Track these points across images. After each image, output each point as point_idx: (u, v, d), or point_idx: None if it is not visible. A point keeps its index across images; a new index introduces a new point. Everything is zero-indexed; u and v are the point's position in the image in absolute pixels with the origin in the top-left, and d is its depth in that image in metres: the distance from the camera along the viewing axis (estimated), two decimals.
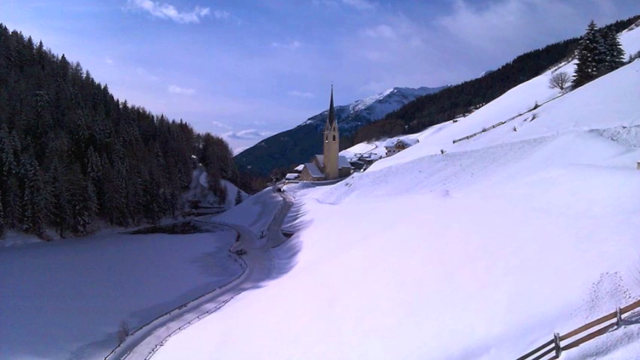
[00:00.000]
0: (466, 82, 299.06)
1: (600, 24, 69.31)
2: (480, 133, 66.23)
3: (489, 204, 26.13)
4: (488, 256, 18.88)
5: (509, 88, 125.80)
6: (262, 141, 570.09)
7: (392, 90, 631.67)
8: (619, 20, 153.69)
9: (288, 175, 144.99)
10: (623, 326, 10.37)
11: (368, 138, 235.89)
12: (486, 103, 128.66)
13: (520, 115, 61.56)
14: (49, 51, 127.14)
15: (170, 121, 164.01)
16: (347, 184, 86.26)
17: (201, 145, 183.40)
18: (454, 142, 70.29)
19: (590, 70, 60.97)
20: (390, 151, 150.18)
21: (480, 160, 51.15)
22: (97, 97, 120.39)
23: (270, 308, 31.96)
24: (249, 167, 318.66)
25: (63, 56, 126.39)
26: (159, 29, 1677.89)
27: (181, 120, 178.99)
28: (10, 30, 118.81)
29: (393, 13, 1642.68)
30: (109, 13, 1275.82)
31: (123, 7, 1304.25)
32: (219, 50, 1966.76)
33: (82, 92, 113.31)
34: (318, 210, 76.13)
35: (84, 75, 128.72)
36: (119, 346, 29.79)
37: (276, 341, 23.62)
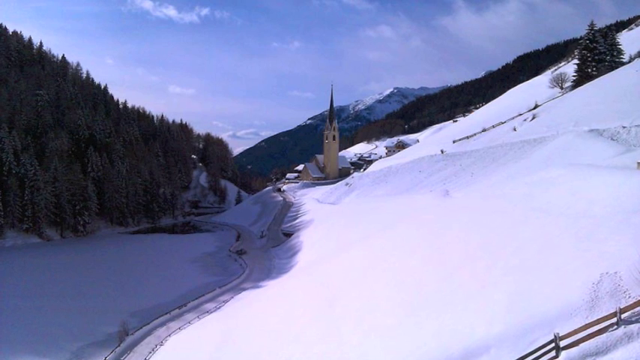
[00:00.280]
0: (466, 82, 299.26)
1: (600, 24, 69.43)
2: (480, 133, 66.24)
3: (489, 204, 26.14)
4: (488, 256, 18.89)
5: (509, 88, 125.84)
6: (262, 141, 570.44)
7: (392, 90, 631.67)
8: (619, 20, 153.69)
9: (288, 175, 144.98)
10: (623, 326, 10.38)
11: (368, 138, 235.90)
12: (486, 103, 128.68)
13: (520, 115, 61.57)
14: (49, 51, 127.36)
15: (170, 121, 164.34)
16: (347, 184, 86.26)
17: (201, 145, 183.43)
18: (454, 142, 70.30)
19: (590, 70, 60.99)
20: (390, 151, 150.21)
21: (479, 160, 51.16)
22: (97, 97, 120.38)
23: (270, 308, 31.97)
24: (249, 167, 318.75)
25: (63, 56, 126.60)
26: (159, 29, 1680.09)
27: (181, 120, 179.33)
28: (11, 30, 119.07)
29: (393, 13, 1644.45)
30: (109, 13, 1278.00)
31: (123, 7, 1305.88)
32: (219, 50, 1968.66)
33: (82, 92, 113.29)
34: (318, 210, 76.14)
35: (84, 75, 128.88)
36: (119, 345, 29.81)
37: (276, 341, 23.63)
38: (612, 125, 36.04)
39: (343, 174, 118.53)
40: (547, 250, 16.52)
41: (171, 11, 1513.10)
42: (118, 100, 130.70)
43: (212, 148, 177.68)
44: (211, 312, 36.74)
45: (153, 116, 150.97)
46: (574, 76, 64.84)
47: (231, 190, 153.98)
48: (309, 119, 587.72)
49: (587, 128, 38.32)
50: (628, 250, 13.23)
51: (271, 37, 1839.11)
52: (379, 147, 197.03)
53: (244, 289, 43.51)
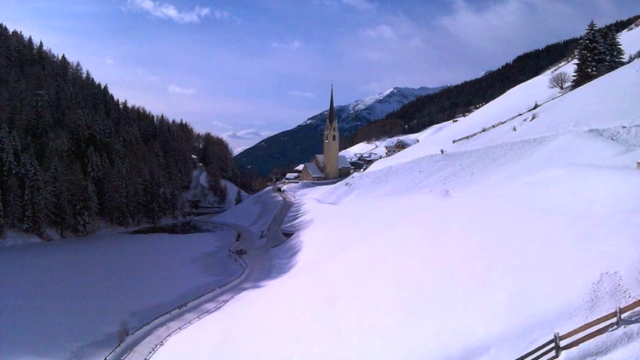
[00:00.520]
0: (466, 82, 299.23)
1: (600, 24, 69.43)
2: (480, 133, 66.23)
3: (489, 204, 26.14)
4: (488, 256, 18.89)
5: (509, 88, 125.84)
6: (262, 141, 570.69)
7: (392, 90, 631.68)
8: (619, 20, 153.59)
9: (288, 175, 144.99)
10: (622, 326, 10.38)
11: (368, 138, 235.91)
12: (486, 103, 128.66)
13: (520, 115, 61.56)
14: (49, 51, 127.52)
15: (170, 120, 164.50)
16: (347, 184, 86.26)
17: (201, 145, 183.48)
18: (454, 142, 70.30)
19: (590, 70, 60.98)
20: (390, 150, 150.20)
21: (479, 160, 51.15)
22: (97, 97, 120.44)
23: (270, 308, 31.97)
24: (249, 167, 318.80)
25: (63, 56, 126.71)
26: (159, 29, 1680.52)
27: (181, 120, 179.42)
28: (11, 30, 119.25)
29: (393, 13, 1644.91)
30: (109, 13, 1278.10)
31: (123, 7, 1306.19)
32: (219, 50, 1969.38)
33: (82, 92, 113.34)
34: (318, 210, 76.15)
35: (84, 75, 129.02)
36: (119, 345, 29.80)
37: (276, 341, 23.64)
38: (612, 125, 36.05)
39: (343, 174, 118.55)
40: (547, 250, 16.52)
41: (171, 11, 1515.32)
42: (118, 100, 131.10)
43: (212, 148, 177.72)
44: (211, 312, 36.74)
45: (153, 116, 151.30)
46: (574, 76, 64.83)
47: (231, 190, 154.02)
48: (309, 119, 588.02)
49: (587, 128, 38.32)
50: (628, 250, 13.23)
51: (271, 37, 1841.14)
52: (379, 147, 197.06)
53: (244, 289, 43.51)
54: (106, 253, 68.72)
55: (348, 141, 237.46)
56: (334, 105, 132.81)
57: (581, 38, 76.08)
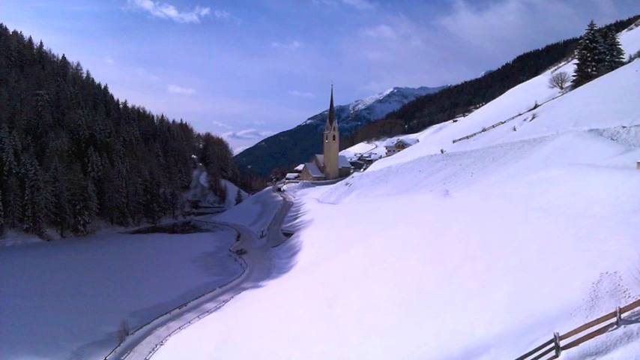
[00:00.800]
0: (466, 82, 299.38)
1: (600, 24, 69.44)
2: (480, 132, 66.24)
3: (489, 204, 26.15)
4: (488, 256, 18.90)
5: (509, 87, 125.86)
6: (262, 141, 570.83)
7: (392, 90, 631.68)
8: (619, 20, 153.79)
9: (288, 175, 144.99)
10: (622, 326, 10.39)
11: (368, 138, 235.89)
12: (486, 103, 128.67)
13: (520, 114, 61.57)
14: (50, 51, 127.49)
15: (170, 120, 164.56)
16: (347, 184, 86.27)
17: (201, 145, 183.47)
18: (454, 141, 70.30)
19: (589, 70, 61.00)
20: (390, 150, 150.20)
21: (479, 160, 51.15)
22: (97, 96, 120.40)
23: (270, 308, 31.97)
24: (249, 167, 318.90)
25: (63, 56, 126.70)
26: (159, 29, 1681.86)
27: (181, 120, 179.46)
28: (11, 30, 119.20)
29: (393, 13, 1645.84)
30: (109, 13, 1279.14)
31: (123, 7, 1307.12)
32: (219, 50, 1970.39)
33: (82, 92, 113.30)
34: (318, 210, 76.14)
35: (84, 75, 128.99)
36: (119, 345, 29.79)
37: (276, 341, 23.65)
38: (612, 125, 36.05)
39: (343, 174, 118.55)
40: (547, 249, 16.52)
41: (171, 11, 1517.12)
42: (118, 100, 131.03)
43: (212, 148, 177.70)
44: (211, 312, 36.73)
45: (153, 116, 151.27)
46: (574, 76, 64.84)
47: (231, 189, 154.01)
48: (309, 119, 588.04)
49: (587, 128, 38.33)
50: (628, 250, 13.24)
51: (271, 37, 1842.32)
52: (379, 147, 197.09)
53: (244, 289, 43.50)
54: (106, 253, 68.70)
55: (348, 141, 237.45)
56: (334, 105, 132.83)
57: (581, 38, 76.08)
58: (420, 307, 18.33)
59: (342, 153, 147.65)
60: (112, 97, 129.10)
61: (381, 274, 25.09)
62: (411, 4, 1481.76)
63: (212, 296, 41.72)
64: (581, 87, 56.84)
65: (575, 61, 69.34)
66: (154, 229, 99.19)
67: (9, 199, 73.22)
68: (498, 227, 21.44)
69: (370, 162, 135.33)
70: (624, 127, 34.85)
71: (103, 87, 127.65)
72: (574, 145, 35.27)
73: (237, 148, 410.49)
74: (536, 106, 60.89)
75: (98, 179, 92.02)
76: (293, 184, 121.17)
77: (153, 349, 29.61)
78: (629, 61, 59.58)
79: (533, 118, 54.62)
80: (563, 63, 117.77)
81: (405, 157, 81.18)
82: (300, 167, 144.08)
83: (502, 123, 63.82)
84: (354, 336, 19.21)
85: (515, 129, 54.87)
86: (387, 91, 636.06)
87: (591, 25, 63.61)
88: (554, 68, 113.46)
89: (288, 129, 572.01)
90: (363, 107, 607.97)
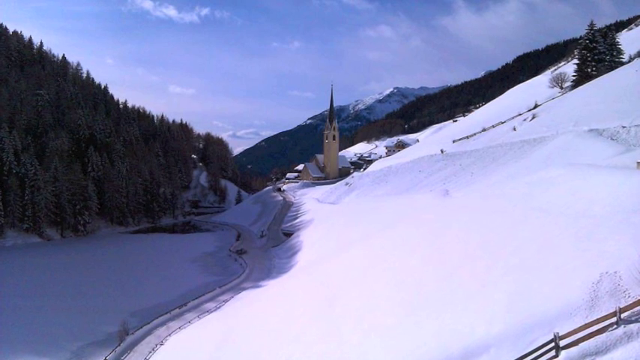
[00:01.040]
0: (466, 82, 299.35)
1: (600, 24, 69.48)
2: (480, 132, 66.25)
3: (489, 203, 26.16)
4: (488, 256, 18.90)
5: (509, 87, 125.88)
6: (262, 141, 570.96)
7: (392, 90, 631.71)
8: (618, 20, 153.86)
9: (288, 175, 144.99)
10: (622, 326, 10.39)
11: (368, 138, 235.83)
12: (486, 103, 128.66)
13: (520, 114, 61.58)
14: (50, 51, 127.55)
15: (170, 120, 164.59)
16: (347, 184, 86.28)
17: (201, 145, 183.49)
18: (454, 141, 70.31)
19: (589, 69, 61.00)
20: (390, 150, 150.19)
21: (479, 160, 51.16)
22: (98, 96, 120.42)
23: (270, 308, 31.98)
24: (249, 167, 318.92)
25: (63, 56, 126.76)
26: (159, 29, 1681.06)
27: (181, 120, 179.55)
28: (11, 30, 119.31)
29: (393, 13, 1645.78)
30: (109, 13, 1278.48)
31: (123, 7, 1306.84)
32: (219, 50, 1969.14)
33: (82, 92, 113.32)
34: (318, 209, 76.15)
35: (84, 75, 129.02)
36: (119, 345, 29.81)
37: (276, 340, 23.65)
38: (612, 125, 36.06)
39: (343, 174, 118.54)
40: (547, 249, 16.53)
41: (171, 11, 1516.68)
42: (118, 100, 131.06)
43: (212, 148, 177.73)
44: (211, 311, 36.74)
45: (153, 116, 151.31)
46: (574, 76, 64.85)
47: (231, 189, 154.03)
48: (309, 119, 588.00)
49: (586, 128, 38.34)
50: (628, 250, 13.25)
51: (271, 37, 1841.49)
52: (379, 147, 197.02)
53: (244, 289, 43.51)
54: (106, 252, 68.70)
55: (348, 141, 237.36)
56: (334, 105, 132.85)
57: (581, 38, 76.09)
58: (420, 307, 18.34)
59: (342, 153, 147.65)
60: (112, 97, 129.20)
61: (381, 274, 25.09)
62: (411, 4, 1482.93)
63: (212, 296, 41.73)
64: (581, 87, 56.85)
65: (575, 61, 69.35)
66: (154, 229, 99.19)
67: (9, 199, 73.23)
68: (498, 227, 21.45)
69: (370, 162, 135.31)
70: (624, 127, 34.85)
71: (103, 87, 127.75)
72: (574, 145, 35.27)
73: (237, 148, 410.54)
74: (536, 106, 60.89)
75: (98, 179, 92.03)
76: (293, 184, 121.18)
77: (153, 349, 29.63)
78: (629, 61, 59.58)
79: (533, 118, 54.62)
80: (563, 63, 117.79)
81: (405, 157, 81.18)
82: (300, 167, 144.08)
83: (502, 123, 63.82)
84: (354, 336, 19.22)
85: (515, 129, 54.88)
86: (387, 91, 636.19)
87: (591, 25, 63.62)
88: (554, 68, 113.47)
89: (288, 129, 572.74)
90: (363, 107, 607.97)
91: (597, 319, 10.71)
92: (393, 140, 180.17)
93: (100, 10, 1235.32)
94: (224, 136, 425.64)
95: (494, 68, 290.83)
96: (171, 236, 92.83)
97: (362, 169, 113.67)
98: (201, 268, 57.95)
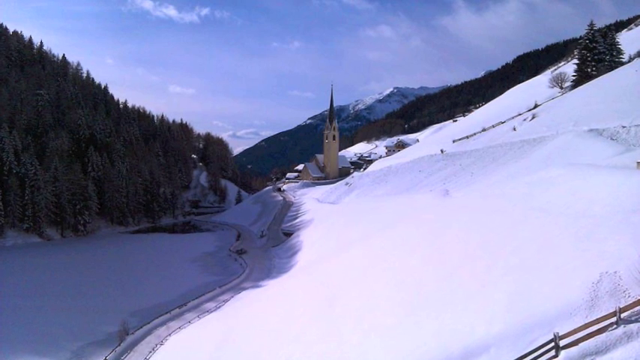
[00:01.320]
0: (466, 82, 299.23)
1: (600, 24, 69.51)
2: (480, 132, 66.26)
3: (489, 203, 26.16)
4: (488, 256, 18.91)
5: (508, 87, 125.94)
6: (262, 141, 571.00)
7: (392, 90, 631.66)
8: (618, 20, 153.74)
9: (288, 175, 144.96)
10: (622, 325, 10.40)
11: (368, 138, 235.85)
12: (486, 103, 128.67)
13: (520, 114, 61.60)
14: (50, 51, 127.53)
15: (170, 120, 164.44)
16: (347, 184, 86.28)
17: (201, 145, 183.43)
18: (454, 141, 70.32)
19: (589, 69, 61.02)
20: (390, 150, 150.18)
21: (479, 160, 51.17)
22: (98, 96, 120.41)
23: (270, 307, 31.99)
24: (249, 167, 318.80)
25: (63, 56, 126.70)
26: (159, 29, 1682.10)
27: (181, 120, 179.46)
28: (11, 30, 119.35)
29: (393, 13, 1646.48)
30: (109, 13, 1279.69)
31: (123, 7, 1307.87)
32: (219, 50, 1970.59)
33: (82, 92, 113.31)
34: (318, 209, 76.14)
35: (84, 75, 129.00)
36: (119, 345, 29.81)
37: (276, 340, 23.66)
38: (612, 125, 36.07)
39: (343, 174, 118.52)
40: (547, 249, 16.53)
41: (171, 11, 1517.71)
42: (118, 100, 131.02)
43: (212, 148, 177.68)
44: (211, 311, 36.74)
45: (153, 116, 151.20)
46: (574, 75, 64.87)
47: (232, 189, 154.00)
48: (309, 119, 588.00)
49: (586, 128, 38.34)
50: (627, 250, 13.25)
51: (271, 37, 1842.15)
52: (379, 147, 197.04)
53: (244, 289, 43.51)
54: (106, 252, 68.71)
55: (348, 141, 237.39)
56: (334, 105, 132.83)
57: (580, 38, 76.10)
58: (420, 307, 18.34)
59: (342, 153, 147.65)
60: (112, 97, 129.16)
61: (381, 274, 25.10)
62: (411, 4, 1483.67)
63: (212, 296, 41.73)
64: (581, 87, 56.86)
65: (575, 61, 69.35)
66: (154, 229, 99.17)
67: (9, 199, 73.23)
68: (498, 227, 21.45)
69: (370, 162, 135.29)
70: (624, 127, 34.86)
71: (103, 87, 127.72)
72: (574, 145, 35.28)
73: (237, 148, 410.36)
74: (536, 106, 60.90)
75: (98, 179, 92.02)
76: (293, 184, 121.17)
77: (153, 349, 29.63)
78: (629, 61, 59.59)
79: (533, 118, 54.63)
80: (563, 63, 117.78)
81: (405, 157, 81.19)
82: (300, 167, 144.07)
83: (502, 123, 63.84)
84: (354, 336, 19.22)
85: (515, 129, 54.89)
86: (387, 91, 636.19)
87: (591, 25, 63.63)
88: (554, 68, 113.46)
89: (288, 129, 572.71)
90: (363, 107, 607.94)
91: (597, 319, 10.72)
92: (393, 140, 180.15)
93: (100, 10, 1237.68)
94: (224, 136, 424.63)
95: (494, 68, 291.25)
96: (171, 236, 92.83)
97: (362, 169, 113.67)
98: (201, 268, 57.95)
